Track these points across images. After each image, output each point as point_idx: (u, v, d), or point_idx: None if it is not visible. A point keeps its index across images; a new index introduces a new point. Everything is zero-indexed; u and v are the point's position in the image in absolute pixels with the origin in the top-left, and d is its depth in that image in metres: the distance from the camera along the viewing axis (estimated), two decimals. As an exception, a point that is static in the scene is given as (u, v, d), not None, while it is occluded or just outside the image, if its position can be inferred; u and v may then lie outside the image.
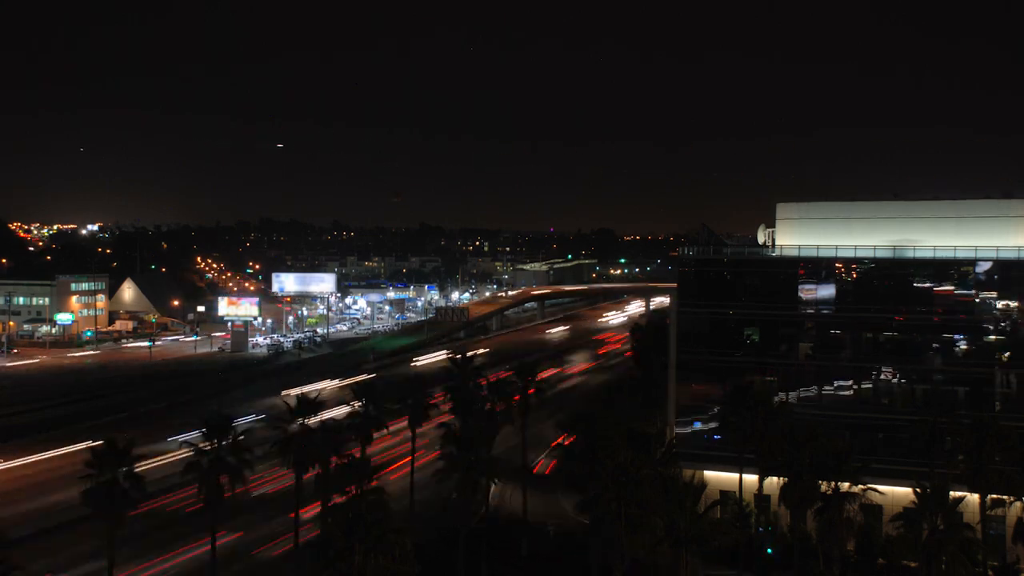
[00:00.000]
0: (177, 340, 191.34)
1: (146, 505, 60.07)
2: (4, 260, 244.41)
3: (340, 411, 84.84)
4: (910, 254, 70.01)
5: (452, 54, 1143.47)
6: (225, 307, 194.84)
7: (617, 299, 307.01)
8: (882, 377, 70.40)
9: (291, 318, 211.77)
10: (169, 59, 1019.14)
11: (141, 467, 55.70)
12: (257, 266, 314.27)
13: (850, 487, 54.62)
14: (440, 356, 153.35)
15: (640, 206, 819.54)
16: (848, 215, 74.33)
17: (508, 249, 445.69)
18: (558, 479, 78.70)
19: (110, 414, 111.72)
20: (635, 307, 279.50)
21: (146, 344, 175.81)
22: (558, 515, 72.60)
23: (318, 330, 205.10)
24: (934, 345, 69.56)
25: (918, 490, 50.33)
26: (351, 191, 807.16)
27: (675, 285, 78.61)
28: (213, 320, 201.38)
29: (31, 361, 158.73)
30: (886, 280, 72.18)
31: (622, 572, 54.93)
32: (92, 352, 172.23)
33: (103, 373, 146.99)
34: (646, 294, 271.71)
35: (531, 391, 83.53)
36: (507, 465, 75.88)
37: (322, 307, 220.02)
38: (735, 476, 64.13)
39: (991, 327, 68.74)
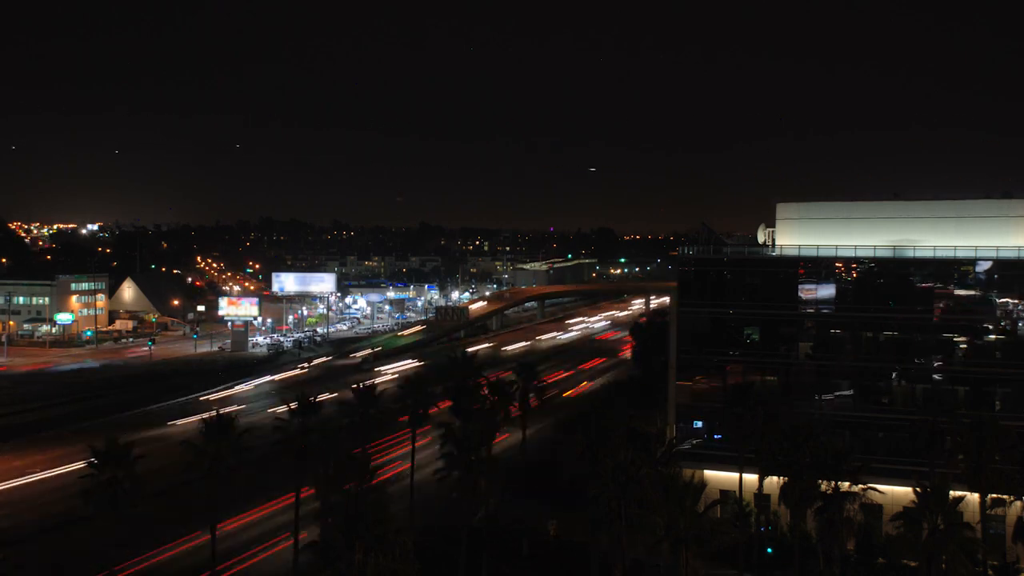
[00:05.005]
0: (176, 339, 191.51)
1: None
2: (4, 260, 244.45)
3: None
4: (910, 254, 69.98)
5: (453, 54, 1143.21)
6: (225, 307, 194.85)
7: (617, 298, 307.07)
8: (881, 377, 70.39)
9: (291, 318, 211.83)
10: (169, 60, 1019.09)
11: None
12: (257, 266, 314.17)
13: (850, 486, 54.61)
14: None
15: (640, 206, 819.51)
16: (848, 215, 74.30)
17: (508, 249, 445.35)
18: (558, 478, 78.67)
19: (110, 414, 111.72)
20: (603, 316, 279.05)
21: (146, 344, 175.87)
22: (558, 515, 72.50)
23: (318, 330, 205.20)
24: (934, 345, 69.54)
25: (918, 490, 50.31)
26: (351, 191, 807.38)
27: (675, 285, 78.56)
28: (213, 320, 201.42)
29: (31, 360, 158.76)
30: (886, 280, 72.18)
31: (622, 572, 54.94)
32: (92, 351, 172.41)
33: (103, 373, 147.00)
34: (646, 293, 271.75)
35: (531, 391, 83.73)
36: (507, 464, 75.93)
37: (322, 307, 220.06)
38: (735, 476, 64.15)
39: (991, 327, 68.74)
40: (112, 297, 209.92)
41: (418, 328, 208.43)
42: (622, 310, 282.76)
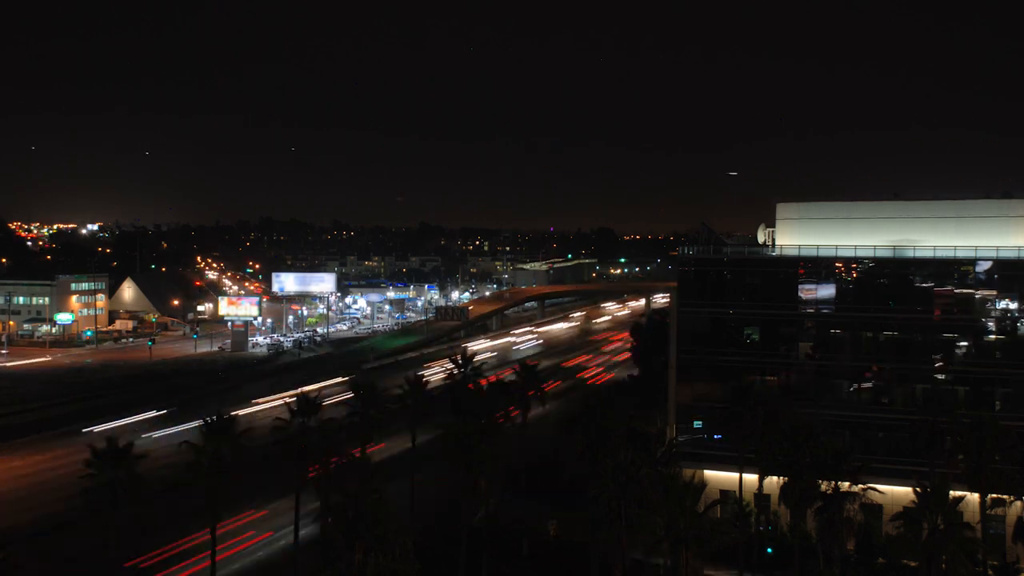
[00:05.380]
0: (176, 339, 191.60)
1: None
2: (4, 260, 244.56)
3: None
4: (910, 254, 69.98)
5: (453, 54, 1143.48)
6: (225, 307, 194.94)
7: (617, 298, 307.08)
8: (882, 377, 70.39)
9: (291, 318, 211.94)
10: (169, 60, 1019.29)
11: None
12: (257, 266, 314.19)
13: (850, 486, 54.62)
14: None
15: (640, 206, 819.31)
16: (848, 215, 74.30)
17: (508, 249, 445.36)
18: (558, 478, 78.62)
19: (110, 414, 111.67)
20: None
21: (146, 344, 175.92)
22: (558, 515, 72.63)
23: (318, 330, 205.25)
24: (934, 345, 69.53)
25: (918, 489, 50.32)
26: (351, 191, 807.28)
27: (675, 284, 78.57)
28: (213, 320, 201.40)
29: (31, 360, 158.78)
30: (886, 280, 72.17)
31: (622, 572, 54.95)
32: (92, 351, 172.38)
33: (103, 373, 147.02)
34: (646, 293, 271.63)
35: (531, 391, 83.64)
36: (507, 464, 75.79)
37: (322, 307, 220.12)
38: (735, 476, 64.14)
39: (991, 327, 68.73)
40: (112, 297, 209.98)
41: (418, 328, 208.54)
42: (621, 310, 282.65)
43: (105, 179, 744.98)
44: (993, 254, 67.61)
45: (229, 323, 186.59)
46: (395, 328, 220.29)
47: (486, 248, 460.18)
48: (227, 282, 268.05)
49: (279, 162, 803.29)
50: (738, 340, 73.77)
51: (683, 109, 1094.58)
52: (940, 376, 68.71)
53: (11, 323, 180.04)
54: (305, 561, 55.91)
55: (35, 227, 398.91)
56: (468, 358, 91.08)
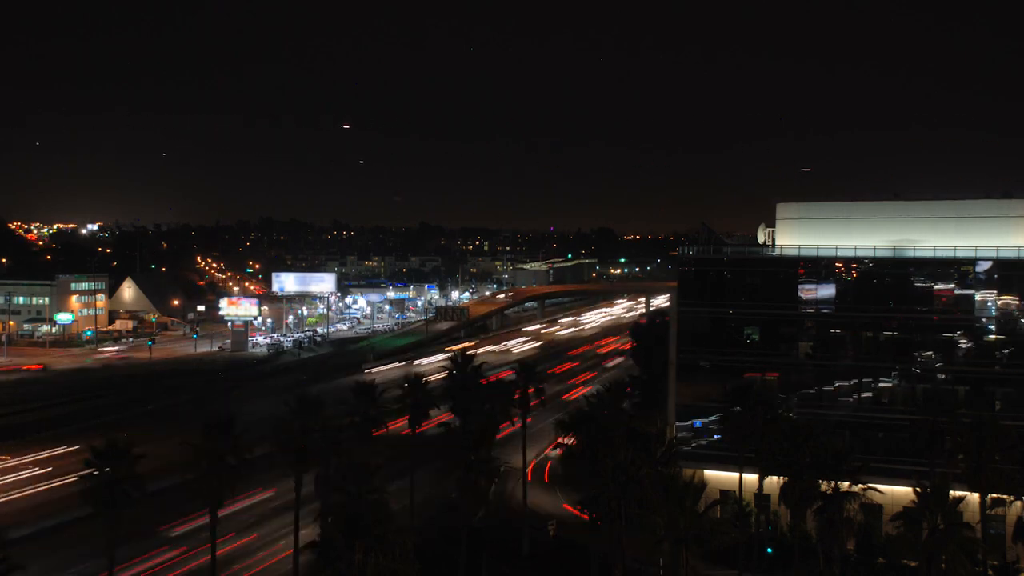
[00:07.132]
0: (176, 339, 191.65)
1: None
2: (4, 260, 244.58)
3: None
4: (910, 254, 70.03)
5: (453, 54, 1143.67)
6: (225, 307, 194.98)
7: (617, 298, 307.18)
8: (882, 376, 70.42)
9: (291, 318, 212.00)
10: (169, 60, 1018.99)
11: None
12: (257, 266, 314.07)
13: (850, 486, 54.62)
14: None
15: (640, 206, 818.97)
16: (848, 215, 74.36)
17: (508, 248, 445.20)
18: (558, 478, 78.72)
19: (110, 414, 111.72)
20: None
21: (146, 344, 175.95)
22: (558, 514, 72.61)
23: (318, 330, 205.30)
24: (934, 345, 69.53)
25: (918, 489, 50.33)
26: (351, 191, 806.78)
27: (675, 284, 78.61)
28: (213, 320, 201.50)
29: (31, 361, 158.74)
30: (886, 280, 72.22)
31: (622, 572, 54.97)
32: (91, 351, 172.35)
33: (103, 373, 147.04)
34: (646, 293, 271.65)
35: (531, 390, 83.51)
36: (507, 464, 75.77)
37: (322, 307, 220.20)
38: (735, 476, 64.15)
39: (991, 327, 68.77)
40: (112, 297, 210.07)
41: (418, 328, 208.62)
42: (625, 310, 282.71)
43: (105, 179, 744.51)
44: (993, 254, 67.65)
45: (229, 323, 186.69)
46: (395, 328, 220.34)
47: (486, 248, 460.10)
48: (227, 282, 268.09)
49: (279, 162, 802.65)
50: (738, 340, 73.81)
51: (683, 109, 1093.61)
52: (940, 376, 68.75)
53: (11, 323, 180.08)
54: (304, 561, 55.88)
55: (35, 227, 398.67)
56: (468, 357, 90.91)
